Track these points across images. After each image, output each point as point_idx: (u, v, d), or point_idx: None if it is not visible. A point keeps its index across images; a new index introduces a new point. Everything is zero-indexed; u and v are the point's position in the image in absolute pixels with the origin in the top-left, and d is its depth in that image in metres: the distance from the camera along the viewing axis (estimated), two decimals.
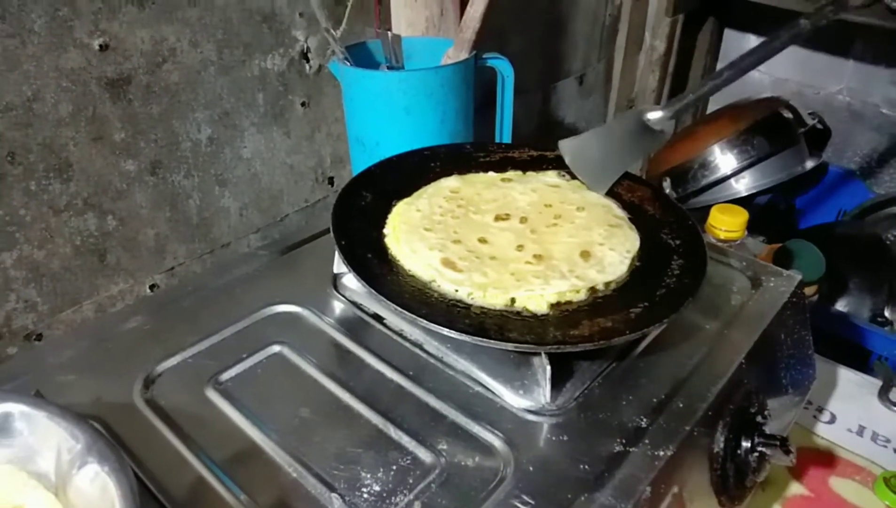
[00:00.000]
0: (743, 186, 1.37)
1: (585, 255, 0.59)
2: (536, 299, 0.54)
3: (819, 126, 1.41)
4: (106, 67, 0.74)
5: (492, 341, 0.48)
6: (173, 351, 0.55)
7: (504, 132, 0.95)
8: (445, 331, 0.49)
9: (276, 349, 0.56)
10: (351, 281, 0.63)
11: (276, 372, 0.54)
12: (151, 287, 0.85)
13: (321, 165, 1.02)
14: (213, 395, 0.51)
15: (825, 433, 0.76)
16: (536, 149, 0.77)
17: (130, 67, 0.76)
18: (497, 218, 0.64)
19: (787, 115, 1.41)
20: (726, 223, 0.77)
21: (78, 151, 0.74)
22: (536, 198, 0.67)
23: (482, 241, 0.61)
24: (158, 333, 0.57)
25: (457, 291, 0.54)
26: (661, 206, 0.66)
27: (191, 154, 0.85)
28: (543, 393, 0.51)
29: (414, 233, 0.60)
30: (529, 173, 0.72)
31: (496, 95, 0.92)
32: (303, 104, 0.96)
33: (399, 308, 0.50)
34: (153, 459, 0.46)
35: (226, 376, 0.53)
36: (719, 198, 1.37)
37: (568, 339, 0.49)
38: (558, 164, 0.74)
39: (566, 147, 0.71)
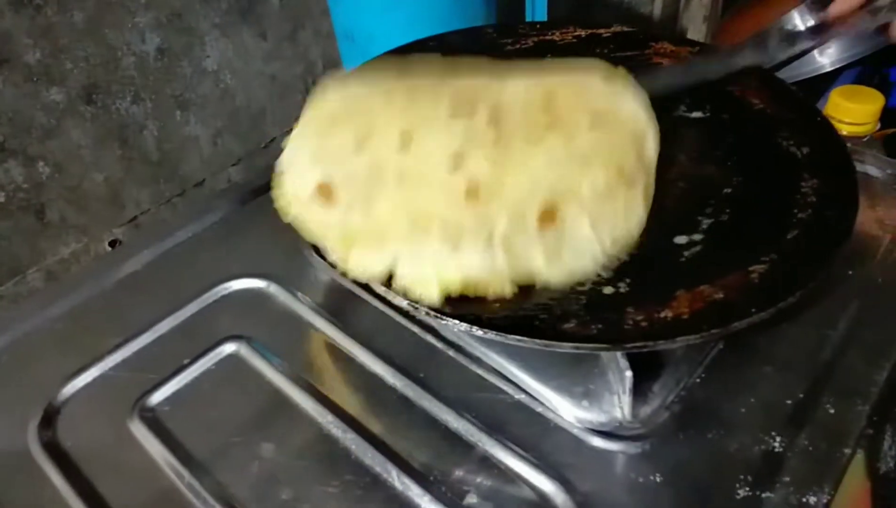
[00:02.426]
0: (828, 58, 1.13)
1: (546, 217, 0.34)
2: (423, 278, 0.33)
3: None
4: None
5: (533, 339, 0.30)
6: (87, 362, 0.39)
7: (538, 6, 0.73)
8: (450, 322, 0.31)
9: (230, 348, 0.40)
10: None
11: (229, 386, 0.38)
12: (112, 243, 0.69)
13: (311, 71, 0.82)
14: (138, 429, 0.36)
15: None
16: (584, 26, 0.56)
17: None
18: (454, 112, 0.38)
19: None
20: (854, 113, 0.55)
21: None
22: (537, 95, 0.40)
23: (404, 143, 0.37)
24: (70, 334, 0.41)
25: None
26: (772, 96, 0.46)
27: (137, 72, 0.66)
28: (620, 406, 0.34)
29: (311, 130, 0.40)
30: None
31: None
32: None
33: (387, 292, 0.33)
34: None
35: (157, 397, 0.37)
36: (800, 75, 1.14)
37: (657, 328, 0.31)
38: (617, 45, 0.53)
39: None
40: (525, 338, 0.30)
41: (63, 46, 0.60)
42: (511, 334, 0.31)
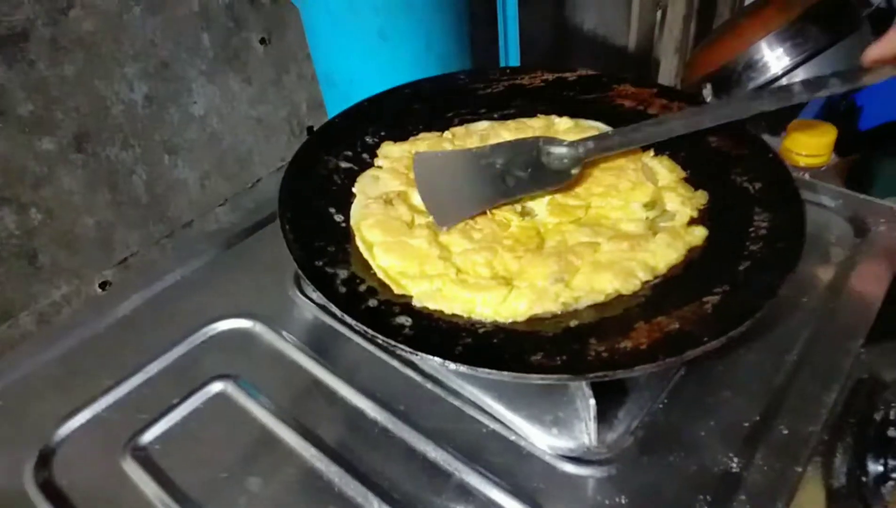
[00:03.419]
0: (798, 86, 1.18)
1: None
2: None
3: (884, 5, 1.20)
4: None
5: (501, 372, 0.33)
6: (81, 404, 0.41)
7: (510, 52, 0.76)
8: (424, 356, 0.33)
9: (217, 387, 0.41)
10: None
11: (217, 424, 0.40)
12: (102, 285, 0.71)
13: (295, 113, 0.85)
14: (131, 467, 0.37)
15: None
16: (551, 70, 0.59)
17: (23, 19, 0.59)
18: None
19: None
20: (809, 146, 0.58)
21: None
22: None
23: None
24: (63, 377, 0.43)
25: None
26: (727, 134, 0.49)
27: (125, 119, 0.68)
28: (587, 432, 0.36)
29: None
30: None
31: (493, 7, 0.73)
32: (262, 41, 0.78)
33: (367, 330, 0.35)
34: None
35: (148, 436, 0.39)
36: None
37: (618, 357, 0.33)
38: (582, 88, 0.56)
39: (420, 162, 0.50)
40: (493, 370, 0.32)
41: (54, 98, 0.63)
42: (481, 367, 0.33)
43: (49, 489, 0.37)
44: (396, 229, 0.43)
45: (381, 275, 0.40)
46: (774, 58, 1.18)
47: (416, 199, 0.47)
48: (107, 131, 0.67)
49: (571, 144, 0.48)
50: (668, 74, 1.48)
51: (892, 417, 0.39)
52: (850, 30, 1.15)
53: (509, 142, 0.50)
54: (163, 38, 0.69)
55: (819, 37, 1.15)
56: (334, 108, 0.73)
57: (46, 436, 0.39)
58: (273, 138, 0.84)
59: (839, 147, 0.90)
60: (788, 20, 1.17)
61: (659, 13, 1.49)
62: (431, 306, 0.38)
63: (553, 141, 0.49)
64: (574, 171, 0.47)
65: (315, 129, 0.87)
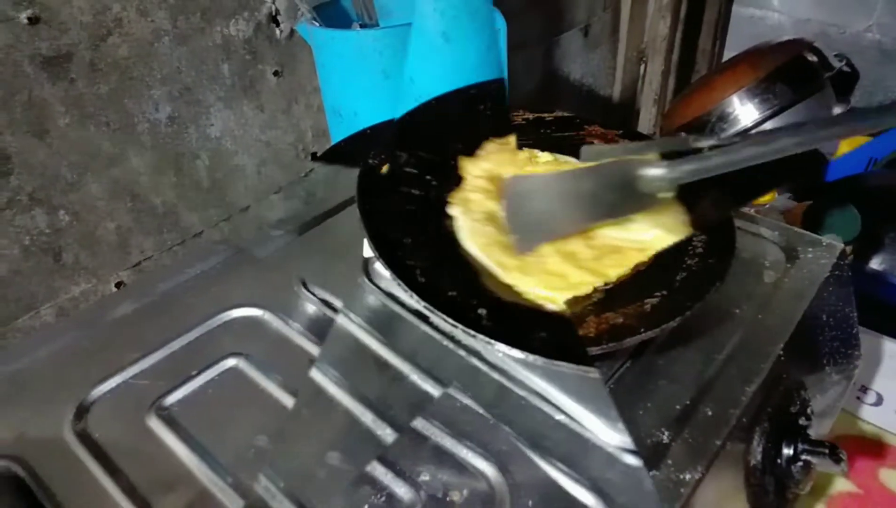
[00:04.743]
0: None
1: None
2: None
3: (846, 69, 1.30)
4: (39, 43, 0.65)
5: (577, 365, 0.39)
6: (112, 371, 0.47)
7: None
8: (502, 347, 0.38)
9: (231, 362, 0.48)
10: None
11: (230, 391, 0.46)
12: (117, 285, 0.77)
13: (301, 139, 0.93)
14: (155, 423, 0.44)
15: (871, 416, 0.67)
16: (533, 111, 0.68)
17: (69, 43, 0.67)
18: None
19: (812, 58, 1.29)
20: None
21: (16, 142, 0.65)
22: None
23: None
24: (96, 350, 0.49)
25: None
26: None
27: (150, 136, 0.76)
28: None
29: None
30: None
31: None
32: (275, 73, 0.87)
33: (448, 318, 0.40)
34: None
35: (171, 399, 0.45)
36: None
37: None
38: (558, 127, 0.64)
39: (512, 185, 0.52)
40: (571, 364, 0.38)
41: (89, 113, 0.70)
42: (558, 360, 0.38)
43: (85, 438, 0.43)
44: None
45: (531, 296, 0.44)
46: (745, 112, 1.28)
47: None
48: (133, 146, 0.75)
49: (668, 166, 0.45)
50: (646, 122, 1.58)
51: (804, 410, 0.47)
52: (814, 90, 1.25)
53: (601, 165, 0.49)
54: (188, 66, 0.77)
55: (785, 94, 1.25)
56: (339, 137, 0.81)
57: (82, 396, 0.45)
58: (278, 162, 0.91)
59: (798, 193, 1.00)
60: (757, 78, 1.26)
61: (643, 67, 1.60)
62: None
63: (647, 164, 0.46)
64: (668, 195, 0.46)
65: (316, 155, 0.95)
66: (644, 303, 0.44)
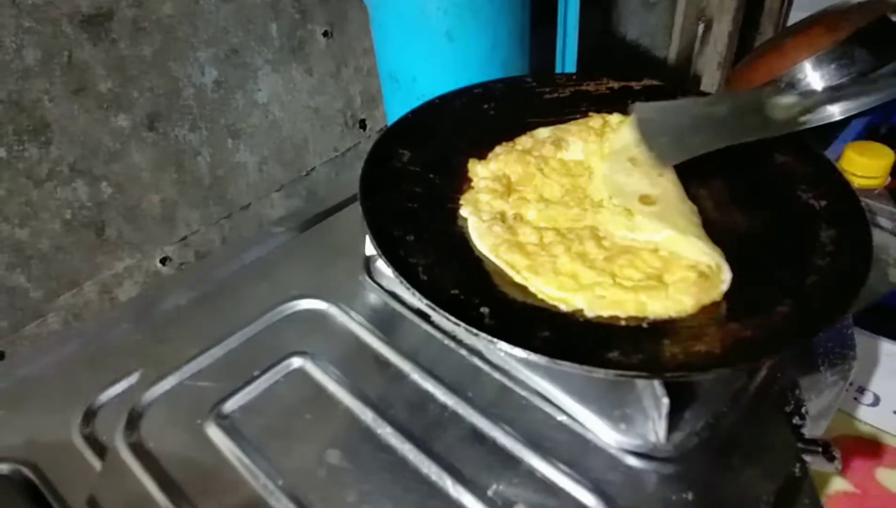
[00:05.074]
0: (839, 108, 1.18)
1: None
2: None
3: None
4: (79, 0, 0.59)
5: (581, 365, 0.34)
6: (165, 372, 0.43)
7: (567, 58, 0.78)
8: (503, 346, 0.35)
9: (296, 363, 0.44)
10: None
11: (296, 397, 0.42)
12: (163, 261, 0.73)
13: (350, 106, 0.87)
14: (214, 433, 0.39)
15: (868, 417, 0.63)
16: (616, 78, 0.61)
17: (110, 0, 0.61)
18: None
19: None
20: (867, 168, 0.60)
21: (55, 108, 0.61)
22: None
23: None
24: (146, 345, 0.45)
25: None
26: (792, 151, 0.50)
27: (195, 102, 0.71)
28: (655, 430, 0.37)
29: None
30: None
31: (550, 10, 0.74)
32: (325, 34, 0.80)
33: (450, 317, 0.37)
34: None
35: (231, 404, 0.41)
36: (808, 122, 1.19)
37: (693, 360, 0.35)
38: (648, 97, 0.58)
39: (640, 109, 0.53)
40: (576, 364, 0.34)
41: (132, 77, 0.65)
42: (563, 360, 0.34)
43: (139, 450, 0.39)
44: (534, 252, 0.44)
45: (542, 296, 0.41)
46: (818, 78, 1.18)
47: (532, 215, 0.48)
48: (177, 112, 0.70)
49: (800, 94, 0.50)
50: (709, 88, 1.48)
51: (798, 409, 0.41)
52: None
53: (733, 92, 0.54)
54: (234, 26, 0.71)
55: (865, 59, 1.15)
56: (394, 104, 0.75)
57: (134, 400, 0.41)
58: (328, 129, 0.86)
59: None
60: (835, 41, 1.17)
61: (701, 27, 1.50)
62: (605, 313, 0.39)
63: (780, 91, 0.52)
64: (803, 119, 0.49)
65: (365, 122, 0.89)
66: (774, 313, 0.37)
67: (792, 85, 1.38)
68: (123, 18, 0.63)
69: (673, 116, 0.52)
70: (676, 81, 1.52)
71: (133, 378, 0.42)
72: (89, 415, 0.41)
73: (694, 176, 0.50)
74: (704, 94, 0.57)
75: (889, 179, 0.61)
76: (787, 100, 0.50)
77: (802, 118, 0.48)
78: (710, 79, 1.48)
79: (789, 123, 0.48)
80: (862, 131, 1.27)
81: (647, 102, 0.57)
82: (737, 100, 0.51)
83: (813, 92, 0.48)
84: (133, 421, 0.40)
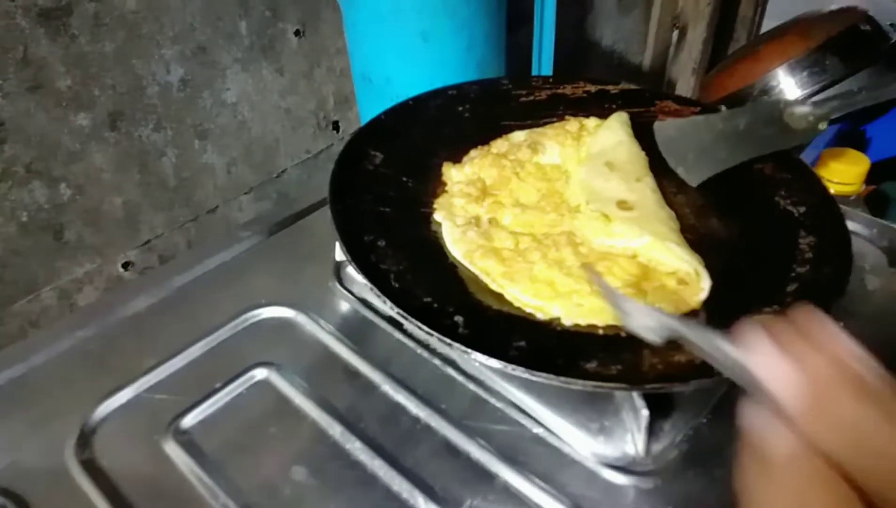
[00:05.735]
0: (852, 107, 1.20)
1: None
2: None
3: None
4: None
5: (558, 377, 0.33)
6: (122, 383, 0.40)
7: (544, 61, 0.77)
8: (478, 357, 0.34)
9: (260, 374, 0.41)
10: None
11: (259, 410, 0.40)
12: (125, 265, 0.70)
13: (322, 107, 0.85)
14: (172, 449, 0.37)
15: None
16: (593, 82, 0.60)
17: None
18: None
19: (866, 28, 1.21)
20: (842, 174, 0.59)
21: (10, 105, 0.58)
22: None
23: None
24: (104, 355, 0.43)
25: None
26: (770, 156, 0.49)
27: (160, 101, 0.68)
28: (634, 442, 0.36)
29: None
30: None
31: (526, 12, 0.74)
32: (297, 33, 0.78)
33: (423, 326, 0.35)
34: None
35: (190, 419, 0.39)
36: None
37: (673, 370, 0.34)
38: (625, 101, 0.57)
39: (660, 130, 0.54)
40: (552, 376, 0.33)
41: (93, 74, 0.63)
42: (539, 371, 0.33)
43: (91, 467, 0.36)
44: (510, 258, 0.43)
45: (518, 304, 0.40)
46: (791, 85, 1.20)
47: (507, 220, 0.47)
48: (140, 112, 0.67)
49: (816, 103, 0.50)
50: (684, 93, 1.49)
51: None
52: (868, 63, 1.17)
53: (749, 105, 0.54)
54: (202, 23, 0.69)
55: (836, 68, 1.16)
56: (368, 105, 0.73)
57: (86, 414, 0.39)
58: (300, 130, 0.83)
59: None
60: (808, 49, 1.18)
61: (675, 33, 1.50)
62: (583, 322, 0.38)
63: (796, 102, 0.52)
64: (822, 126, 0.49)
65: (338, 123, 0.87)
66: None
67: (765, 91, 1.38)
68: (84, 13, 0.60)
69: (694, 133, 0.53)
70: (653, 86, 1.52)
71: (86, 390, 0.40)
72: (40, 429, 0.39)
73: (671, 182, 0.50)
74: (714, 109, 0.57)
75: (864, 185, 0.61)
76: (803, 109, 0.51)
77: (821, 125, 0.49)
78: (685, 84, 1.49)
79: (807, 132, 0.50)
80: (832, 139, 1.28)
81: (640, 112, 0.56)
82: (753, 113, 0.52)
83: (825, 101, 0.51)
84: (85, 437, 0.38)
